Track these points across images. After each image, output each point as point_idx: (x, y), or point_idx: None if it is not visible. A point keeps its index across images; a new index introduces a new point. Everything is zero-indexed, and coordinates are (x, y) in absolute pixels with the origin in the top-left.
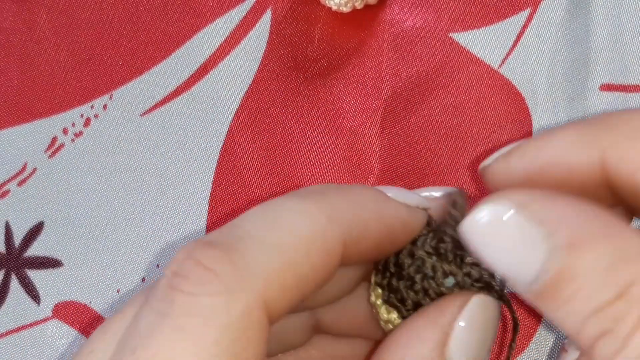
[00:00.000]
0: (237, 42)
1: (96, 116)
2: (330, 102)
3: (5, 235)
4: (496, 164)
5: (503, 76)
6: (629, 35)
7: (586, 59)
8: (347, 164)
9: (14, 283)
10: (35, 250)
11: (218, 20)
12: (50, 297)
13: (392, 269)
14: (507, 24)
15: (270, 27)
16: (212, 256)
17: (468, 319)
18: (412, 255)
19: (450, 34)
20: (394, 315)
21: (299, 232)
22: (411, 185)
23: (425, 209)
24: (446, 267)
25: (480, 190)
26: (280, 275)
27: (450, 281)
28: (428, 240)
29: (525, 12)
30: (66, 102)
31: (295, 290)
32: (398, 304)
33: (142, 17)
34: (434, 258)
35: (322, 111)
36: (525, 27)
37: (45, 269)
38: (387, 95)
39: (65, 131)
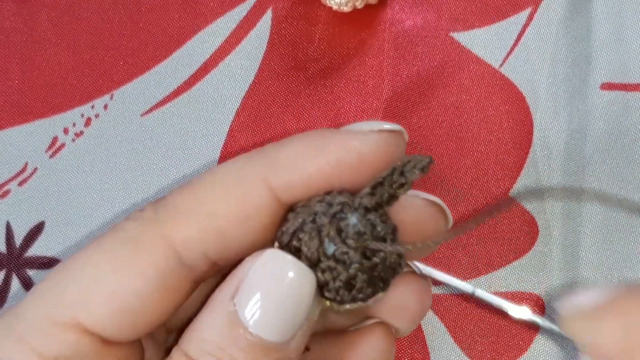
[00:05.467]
0: (238, 42)
1: (97, 116)
2: (331, 101)
3: (6, 235)
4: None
5: (504, 75)
6: (629, 34)
7: (587, 58)
8: None
9: (15, 283)
10: (36, 250)
11: (219, 20)
12: None
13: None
14: (508, 24)
15: (271, 27)
16: (149, 203)
17: (256, 270)
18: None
19: (451, 34)
20: None
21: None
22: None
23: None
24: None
25: (480, 191)
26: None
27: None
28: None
29: (526, 12)
30: (67, 102)
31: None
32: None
33: (143, 17)
34: (318, 213)
35: (323, 111)
36: (526, 26)
37: (46, 269)
38: (387, 94)
39: (66, 131)
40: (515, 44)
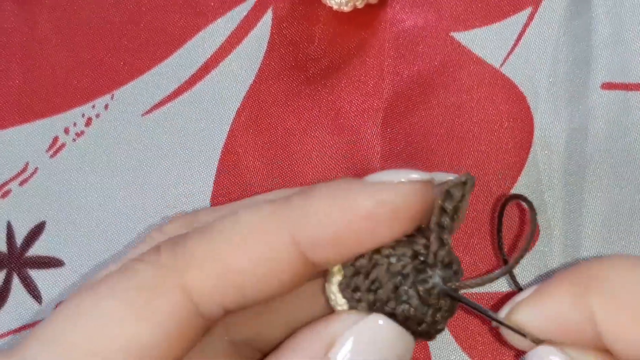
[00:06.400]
0: (238, 42)
1: (97, 116)
2: (331, 101)
3: (6, 235)
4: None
5: (504, 75)
6: (630, 34)
7: (587, 58)
8: (348, 163)
9: (16, 283)
10: (36, 250)
11: (219, 20)
12: (52, 297)
13: (363, 262)
14: (509, 23)
15: (271, 27)
16: (167, 243)
17: (355, 333)
18: (385, 256)
19: (452, 34)
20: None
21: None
22: None
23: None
24: (403, 288)
25: (481, 191)
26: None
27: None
28: (401, 249)
29: (527, 11)
30: (67, 101)
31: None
32: (351, 298)
33: (144, 17)
34: (398, 278)
35: (324, 111)
36: (526, 26)
37: (47, 268)
38: (388, 94)
39: (66, 131)
40: (515, 44)
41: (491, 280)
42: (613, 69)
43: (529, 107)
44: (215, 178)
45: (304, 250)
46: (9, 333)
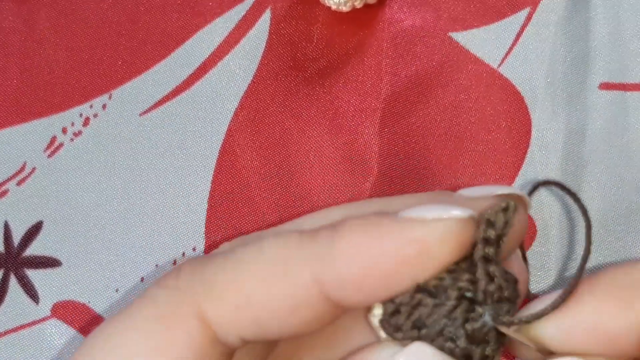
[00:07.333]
0: (237, 41)
1: (95, 116)
2: (329, 101)
3: (4, 235)
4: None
5: (502, 75)
6: (628, 34)
7: (585, 58)
8: (346, 163)
9: (13, 282)
10: (34, 249)
11: (217, 20)
12: (49, 297)
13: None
14: (507, 23)
15: (270, 27)
16: (188, 266)
17: None
18: (426, 291)
19: (450, 34)
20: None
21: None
22: (410, 185)
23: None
24: (448, 329)
25: None
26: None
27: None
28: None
29: (525, 11)
30: (65, 101)
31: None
32: (394, 333)
33: (142, 16)
34: (444, 321)
35: (321, 110)
36: (524, 26)
37: (44, 268)
38: (386, 94)
39: (64, 131)
40: (514, 44)
41: (545, 314)
42: (611, 69)
43: (526, 107)
44: (212, 177)
45: (328, 291)
46: (6, 333)
